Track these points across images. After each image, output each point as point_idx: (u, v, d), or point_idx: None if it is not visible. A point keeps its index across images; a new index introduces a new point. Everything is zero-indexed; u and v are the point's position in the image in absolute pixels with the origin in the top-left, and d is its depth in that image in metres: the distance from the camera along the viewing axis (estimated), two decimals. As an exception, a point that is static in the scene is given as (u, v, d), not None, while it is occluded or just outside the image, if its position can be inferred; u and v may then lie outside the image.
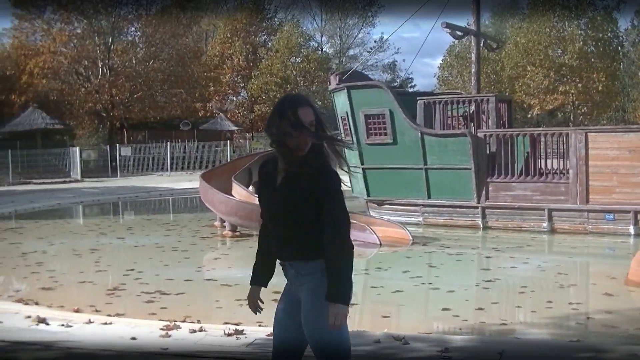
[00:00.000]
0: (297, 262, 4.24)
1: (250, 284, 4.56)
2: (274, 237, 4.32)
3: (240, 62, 63.02)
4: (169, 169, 44.04)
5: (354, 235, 15.60)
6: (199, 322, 8.25)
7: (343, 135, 20.64)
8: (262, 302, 4.53)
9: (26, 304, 9.91)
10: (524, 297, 11.09)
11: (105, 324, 8.19)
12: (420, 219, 19.19)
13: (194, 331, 7.58)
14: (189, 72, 54.71)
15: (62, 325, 8.16)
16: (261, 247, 4.53)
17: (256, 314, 4.62)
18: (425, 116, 19.56)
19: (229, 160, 38.28)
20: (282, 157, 4.17)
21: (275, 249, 4.35)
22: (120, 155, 44.38)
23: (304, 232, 4.18)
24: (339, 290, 4.08)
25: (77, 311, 9.21)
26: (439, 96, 21.45)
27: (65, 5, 50.87)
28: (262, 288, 4.56)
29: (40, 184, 37.18)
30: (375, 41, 74.55)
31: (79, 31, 52.70)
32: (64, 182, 38.25)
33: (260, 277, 4.54)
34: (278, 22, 69.53)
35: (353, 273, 4.11)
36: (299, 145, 4.08)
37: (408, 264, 13.80)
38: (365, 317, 10.14)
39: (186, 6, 57.41)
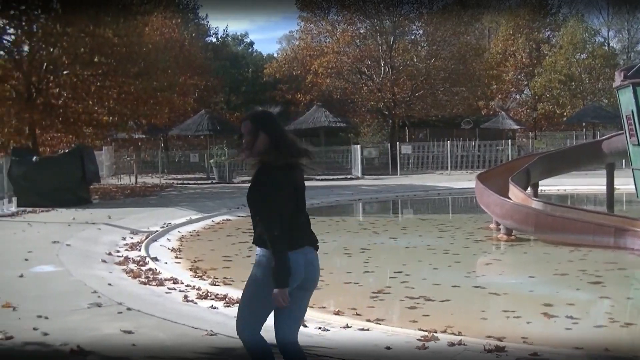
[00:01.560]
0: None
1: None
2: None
3: (523, 59, 61.49)
4: (449, 168, 43.67)
5: (634, 243, 14.48)
6: (459, 333, 7.79)
7: (628, 135, 19.23)
8: None
9: (290, 303, 9.91)
10: None
11: (362, 329, 7.99)
12: None
13: (453, 344, 7.15)
14: (470, 70, 54.13)
15: (319, 328, 8.05)
16: None
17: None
18: None
19: (510, 159, 37.32)
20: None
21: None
22: (401, 153, 44.60)
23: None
24: None
25: (337, 314, 9.08)
26: None
27: (348, 7, 52.21)
28: None
29: (321, 180, 38.15)
30: (666, 34, 70.21)
31: (362, 31, 53.82)
32: (345, 179, 39.02)
33: None
34: (562, 18, 67.21)
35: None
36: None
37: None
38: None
39: (467, 3, 56.92)
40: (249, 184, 4.98)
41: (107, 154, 43.71)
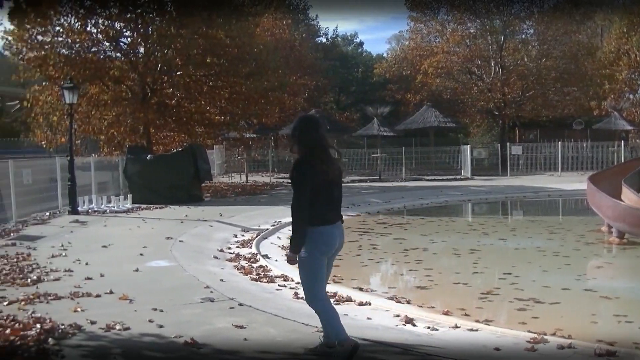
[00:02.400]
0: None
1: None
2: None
3: (638, 58, 59.71)
4: (559, 169, 42.93)
5: None
6: (569, 336, 7.70)
7: None
8: None
9: (398, 301, 9.98)
10: None
11: (471, 330, 7.99)
12: None
13: (562, 347, 7.09)
14: (582, 70, 52.94)
15: (428, 327, 8.10)
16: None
17: None
18: None
19: (623, 161, 36.42)
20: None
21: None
22: (510, 154, 44.03)
23: None
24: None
25: (445, 314, 9.08)
26: None
27: (458, 6, 51.84)
28: None
29: (431, 180, 38.03)
30: None
31: (471, 31, 53.32)
32: (454, 179, 38.74)
33: None
34: (676, 12, 64.94)
35: None
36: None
37: None
38: None
39: (579, 1, 55.64)
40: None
41: (219, 153, 44.56)
